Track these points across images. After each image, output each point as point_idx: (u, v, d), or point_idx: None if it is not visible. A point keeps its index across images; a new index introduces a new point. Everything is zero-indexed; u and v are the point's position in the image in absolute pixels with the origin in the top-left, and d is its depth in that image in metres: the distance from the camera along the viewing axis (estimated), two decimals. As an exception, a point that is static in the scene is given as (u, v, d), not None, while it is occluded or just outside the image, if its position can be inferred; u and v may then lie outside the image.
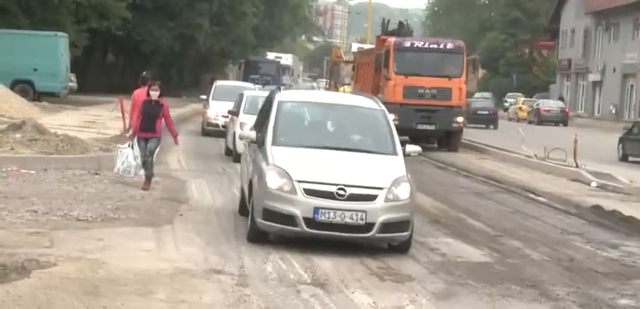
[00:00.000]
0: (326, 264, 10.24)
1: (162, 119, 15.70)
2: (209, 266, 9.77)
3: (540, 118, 56.94)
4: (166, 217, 12.74)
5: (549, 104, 61.02)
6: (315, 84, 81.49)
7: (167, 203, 14.06)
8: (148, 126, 15.50)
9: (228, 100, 26.78)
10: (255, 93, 24.98)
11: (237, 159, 19.00)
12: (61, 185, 14.99)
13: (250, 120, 18.09)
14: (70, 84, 40.51)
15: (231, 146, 22.04)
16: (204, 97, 32.41)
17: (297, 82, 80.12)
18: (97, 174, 16.68)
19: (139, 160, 15.65)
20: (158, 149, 16.21)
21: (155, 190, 15.39)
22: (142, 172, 15.63)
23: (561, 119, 57.02)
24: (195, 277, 9.22)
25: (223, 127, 26.76)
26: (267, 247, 11.02)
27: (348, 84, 43.73)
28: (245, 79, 51.65)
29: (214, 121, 28.84)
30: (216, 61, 74.69)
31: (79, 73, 45.29)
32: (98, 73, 57.52)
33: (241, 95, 23.92)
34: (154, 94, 15.53)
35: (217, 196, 15.61)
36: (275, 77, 56.34)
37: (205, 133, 29.48)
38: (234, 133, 20.78)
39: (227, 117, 25.17)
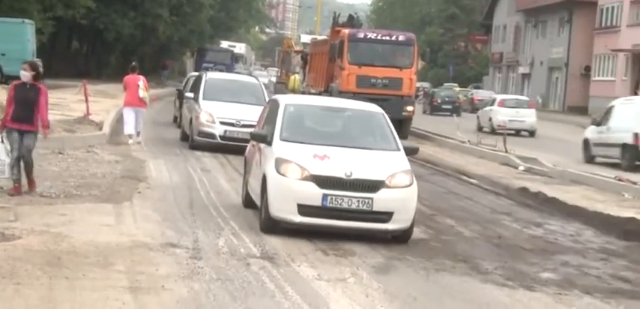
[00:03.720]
0: (275, 240, 10.24)
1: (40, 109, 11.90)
2: (165, 240, 9.71)
3: (474, 107, 57.44)
4: (126, 195, 12.64)
5: (482, 94, 61.72)
6: (265, 73, 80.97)
7: (127, 181, 13.95)
8: (23, 115, 11.82)
9: (227, 100, 20.43)
10: (294, 100, 13.38)
11: (269, 228, 10.52)
12: (27, 163, 14.76)
13: (294, 154, 10.58)
14: (36, 68, 39.93)
15: (255, 197, 11.46)
16: (189, 94, 22.34)
17: (249, 70, 79.38)
18: (60, 153, 16.57)
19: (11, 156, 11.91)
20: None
21: (116, 169, 15.26)
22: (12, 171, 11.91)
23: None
24: (152, 251, 9.16)
25: (222, 137, 19.67)
26: (220, 223, 11.01)
27: (298, 73, 43.63)
28: (198, 67, 50.26)
29: (209, 129, 19.89)
30: (175, 48, 74.24)
31: (44, 59, 44.48)
32: (63, 59, 56.62)
33: (275, 104, 12.21)
34: (26, 76, 11.78)
35: (174, 175, 15.51)
36: (229, 66, 55.75)
37: (195, 144, 20.05)
38: (264, 175, 10.78)
39: (231, 124, 19.63)
